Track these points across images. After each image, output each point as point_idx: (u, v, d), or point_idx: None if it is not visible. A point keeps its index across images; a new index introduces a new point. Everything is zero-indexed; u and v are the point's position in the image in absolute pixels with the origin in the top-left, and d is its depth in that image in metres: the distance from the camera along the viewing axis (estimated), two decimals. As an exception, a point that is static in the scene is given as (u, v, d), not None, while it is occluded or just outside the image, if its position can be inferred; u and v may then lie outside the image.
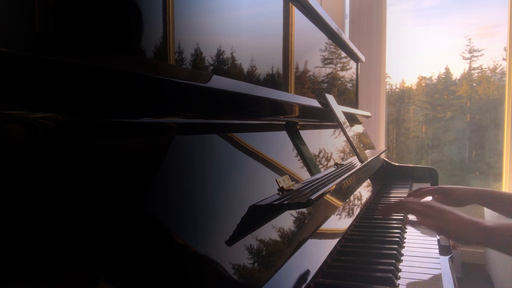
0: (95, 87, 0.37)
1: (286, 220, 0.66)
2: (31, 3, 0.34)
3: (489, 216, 2.31)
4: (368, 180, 1.45)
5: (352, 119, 1.64)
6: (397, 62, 3.26)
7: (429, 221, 0.81)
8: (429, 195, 1.20)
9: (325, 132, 1.21)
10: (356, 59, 1.84)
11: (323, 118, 1.15)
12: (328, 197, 0.91)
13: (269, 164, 0.72)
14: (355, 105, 1.92)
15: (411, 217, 0.93)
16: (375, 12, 2.80)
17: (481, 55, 3.17)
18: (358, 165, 1.04)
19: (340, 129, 1.33)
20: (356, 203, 1.10)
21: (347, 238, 0.89)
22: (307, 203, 0.55)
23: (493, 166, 3.04)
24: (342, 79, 1.63)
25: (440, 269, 0.75)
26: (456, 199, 1.14)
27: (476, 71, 3.23)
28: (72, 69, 0.34)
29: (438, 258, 0.80)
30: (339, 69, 1.56)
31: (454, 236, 0.80)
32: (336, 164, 1.09)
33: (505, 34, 2.63)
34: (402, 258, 0.80)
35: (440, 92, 3.39)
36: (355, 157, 1.23)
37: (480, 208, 2.26)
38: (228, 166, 0.60)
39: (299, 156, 0.87)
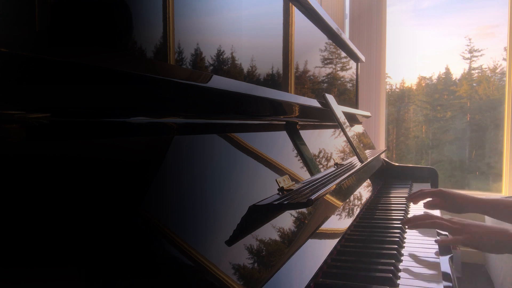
0: (95, 87, 0.37)
1: (286, 220, 0.66)
2: (31, 3, 0.34)
3: (489, 220, 2.31)
4: (368, 180, 1.45)
5: (352, 119, 1.64)
6: (397, 62, 3.26)
7: (461, 238, 0.86)
8: (430, 197, 1.19)
9: (325, 132, 1.21)
10: (356, 59, 1.84)
11: (323, 118, 1.15)
12: (328, 197, 0.91)
13: (269, 164, 0.72)
14: (355, 105, 1.92)
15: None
16: (375, 12, 2.80)
17: (481, 55, 3.17)
18: (358, 165, 1.04)
19: (340, 129, 1.33)
20: (356, 203, 1.10)
21: (347, 238, 0.89)
22: (307, 203, 0.55)
23: (493, 166, 3.04)
24: (342, 79, 1.63)
25: (440, 269, 0.75)
26: (455, 205, 1.13)
27: (476, 71, 3.23)
28: (72, 69, 0.34)
29: (438, 258, 0.80)
30: (339, 69, 1.56)
31: (488, 249, 0.85)
32: (336, 164, 1.09)
33: (505, 34, 2.63)
34: (402, 258, 0.80)
35: (440, 92, 3.39)
36: (355, 157, 1.23)
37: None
38: (228, 166, 0.60)
39: (299, 156, 0.87)
